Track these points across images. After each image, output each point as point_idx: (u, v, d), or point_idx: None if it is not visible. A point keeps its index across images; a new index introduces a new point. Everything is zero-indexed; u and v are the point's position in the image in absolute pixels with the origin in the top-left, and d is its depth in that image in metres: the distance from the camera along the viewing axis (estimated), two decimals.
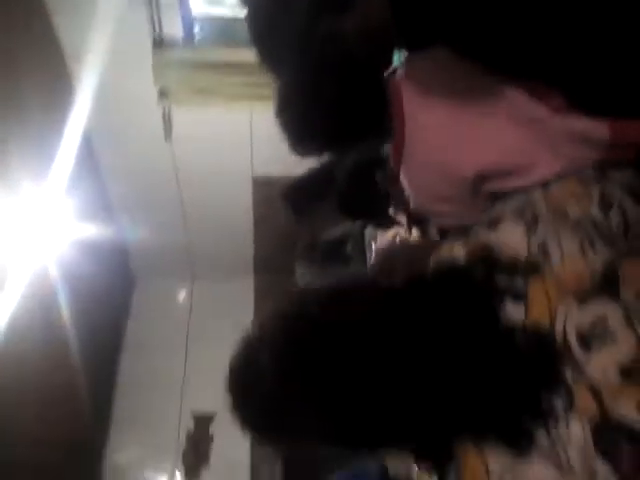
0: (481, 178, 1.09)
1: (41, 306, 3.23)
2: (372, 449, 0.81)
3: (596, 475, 0.64)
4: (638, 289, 0.72)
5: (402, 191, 1.31)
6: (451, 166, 1.11)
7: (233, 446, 4.27)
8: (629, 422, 0.65)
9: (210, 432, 4.29)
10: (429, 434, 0.75)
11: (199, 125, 3.68)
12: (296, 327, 0.75)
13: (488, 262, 0.79)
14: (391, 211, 1.91)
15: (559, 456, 0.66)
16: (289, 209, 2.61)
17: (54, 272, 3.30)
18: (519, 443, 0.69)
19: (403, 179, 1.27)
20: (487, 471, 0.70)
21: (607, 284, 0.73)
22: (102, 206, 3.96)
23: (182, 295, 4.90)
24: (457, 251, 0.85)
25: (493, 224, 0.85)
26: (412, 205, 1.30)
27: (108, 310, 4.22)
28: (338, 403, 0.71)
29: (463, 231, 0.91)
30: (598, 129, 0.97)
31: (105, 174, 3.95)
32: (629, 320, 0.70)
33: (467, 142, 1.09)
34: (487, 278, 0.78)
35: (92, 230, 3.48)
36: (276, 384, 0.72)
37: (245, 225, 4.20)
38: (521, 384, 0.71)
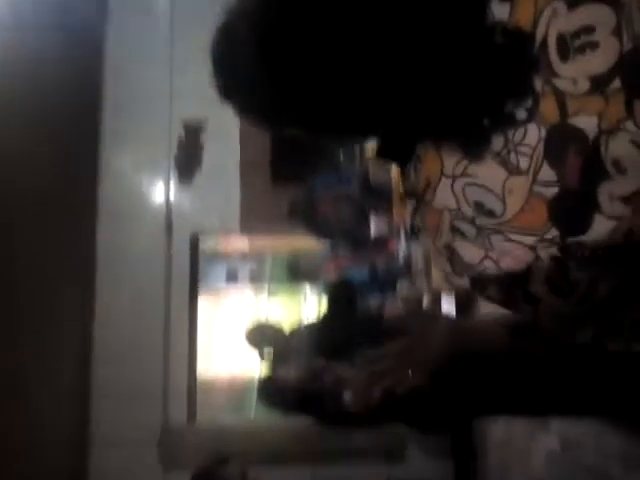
0: None
1: None
2: (341, 134, 0.83)
3: (539, 177, 0.69)
4: None
5: None
6: None
7: (223, 152, 4.50)
8: (583, 128, 0.67)
9: (201, 140, 4.46)
10: (397, 127, 0.77)
11: None
12: None
13: None
14: None
15: (510, 159, 0.70)
16: None
17: None
18: (476, 146, 0.71)
19: None
20: (442, 168, 0.73)
21: None
22: None
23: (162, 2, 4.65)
24: None
25: None
26: None
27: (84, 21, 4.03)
28: (312, 74, 0.72)
29: None
30: None
31: None
32: (619, 28, 0.66)
33: None
34: None
35: None
36: (252, 49, 0.71)
37: None
38: (490, 86, 0.70)
